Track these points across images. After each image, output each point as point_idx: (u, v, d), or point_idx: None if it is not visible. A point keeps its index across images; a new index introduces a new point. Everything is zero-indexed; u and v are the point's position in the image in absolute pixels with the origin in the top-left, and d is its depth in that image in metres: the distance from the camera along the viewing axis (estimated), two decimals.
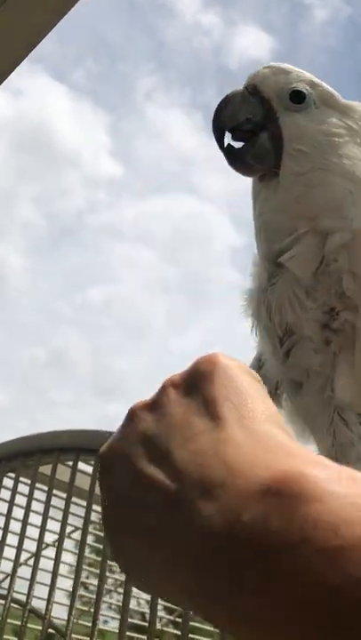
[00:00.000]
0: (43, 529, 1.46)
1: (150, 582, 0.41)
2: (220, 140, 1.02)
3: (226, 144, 1.03)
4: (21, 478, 1.56)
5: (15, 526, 1.54)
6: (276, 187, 1.01)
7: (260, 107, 1.02)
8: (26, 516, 1.51)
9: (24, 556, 1.86)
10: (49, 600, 1.35)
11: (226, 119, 1.02)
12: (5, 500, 1.57)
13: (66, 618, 1.37)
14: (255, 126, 1.02)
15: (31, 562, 1.64)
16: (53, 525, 1.53)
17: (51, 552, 1.78)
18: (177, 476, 0.38)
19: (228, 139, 1.03)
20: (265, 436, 0.38)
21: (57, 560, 1.40)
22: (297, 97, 1.01)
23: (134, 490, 0.41)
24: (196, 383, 0.45)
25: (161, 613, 3.04)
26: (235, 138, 1.03)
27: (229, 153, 1.03)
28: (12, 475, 1.60)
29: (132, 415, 0.45)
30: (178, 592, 0.37)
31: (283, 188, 1.00)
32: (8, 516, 1.56)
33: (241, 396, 0.43)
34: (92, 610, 1.32)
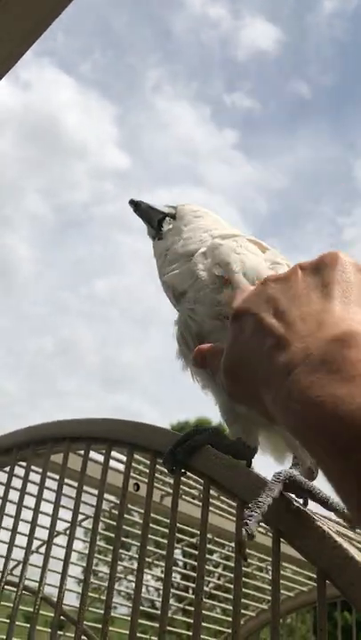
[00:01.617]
0: (54, 517, 1.46)
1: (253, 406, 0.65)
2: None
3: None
4: (32, 467, 1.57)
5: (26, 515, 1.55)
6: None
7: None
8: (37, 504, 1.51)
9: (36, 543, 1.88)
10: (61, 587, 1.35)
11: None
12: (17, 489, 1.57)
13: (77, 605, 1.37)
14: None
15: (42, 550, 1.65)
16: (64, 514, 1.53)
17: (62, 540, 1.79)
18: (287, 325, 0.56)
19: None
20: (351, 311, 0.55)
21: (68, 547, 1.40)
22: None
23: (255, 334, 0.60)
24: (320, 269, 0.62)
25: (171, 601, 3.05)
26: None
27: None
28: (24, 463, 1.60)
29: (264, 282, 0.65)
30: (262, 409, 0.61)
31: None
32: (20, 505, 1.56)
33: (348, 284, 0.59)
34: (103, 597, 1.32)
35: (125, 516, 2.31)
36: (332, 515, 1.02)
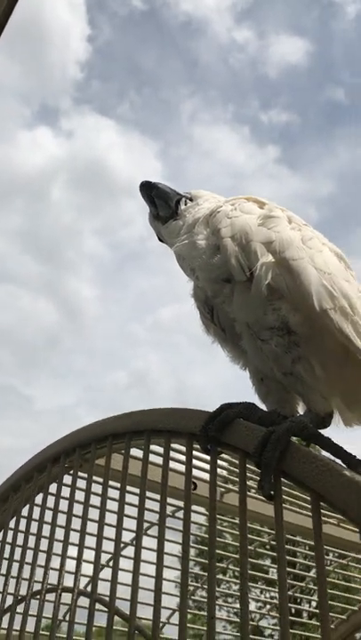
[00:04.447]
0: (102, 520, 1.36)
1: None
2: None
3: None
4: (81, 474, 1.50)
5: (90, 526, 1.47)
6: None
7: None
8: (102, 515, 1.42)
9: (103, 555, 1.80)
10: (155, 613, 1.21)
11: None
12: (66, 498, 1.50)
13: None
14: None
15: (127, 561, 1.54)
16: (111, 518, 1.44)
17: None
18: None
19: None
20: None
21: (136, 559, 1.29)
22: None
23: None
24: None
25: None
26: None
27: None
28: (85, 475, 1.53)
29: None
30: None
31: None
32: (85, 517, 1.48)
33: None
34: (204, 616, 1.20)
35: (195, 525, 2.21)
36: None
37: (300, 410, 1.16)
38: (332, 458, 0.90)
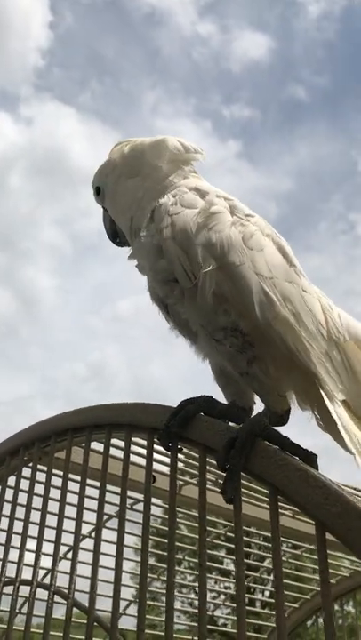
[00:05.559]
0: (79, 519, 1.37)
1: None
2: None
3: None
4: (39, 466, 1.50)
5: (51, 520, 1.48)
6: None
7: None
8: (61, 507, 1.43)
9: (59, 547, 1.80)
10: (92, 591, 1.25)
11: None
12: (25, 491, 1.50)
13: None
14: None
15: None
16: (70, 511, 1.44)
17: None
18: None
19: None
20: None
21: (96, 554, 1.30)
22: (97, 191, 1.57)
23: None
24: None
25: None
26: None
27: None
28: (44, 468, 1.53)
29: None
30: None
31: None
32: (44, 510, 1.48)
33: None
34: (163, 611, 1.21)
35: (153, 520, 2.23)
36: None
37: (257, 399, 1.18)
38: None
